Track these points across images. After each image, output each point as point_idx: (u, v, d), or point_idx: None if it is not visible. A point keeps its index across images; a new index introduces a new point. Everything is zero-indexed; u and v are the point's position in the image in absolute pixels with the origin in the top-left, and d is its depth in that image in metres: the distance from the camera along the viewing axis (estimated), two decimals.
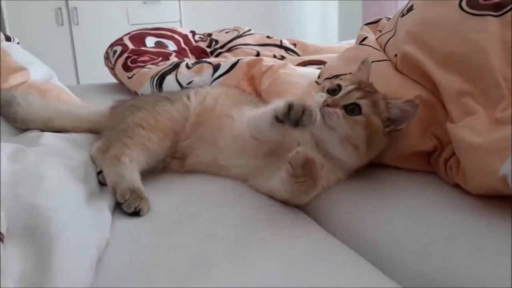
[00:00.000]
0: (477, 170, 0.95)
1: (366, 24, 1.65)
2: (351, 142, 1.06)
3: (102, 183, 1.11)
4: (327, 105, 1.04)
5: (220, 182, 1.15)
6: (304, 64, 2.22)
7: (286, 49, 2.52)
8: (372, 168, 1.19)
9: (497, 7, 1.11)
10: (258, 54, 2.41)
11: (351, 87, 1.07)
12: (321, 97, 1.06)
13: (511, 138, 0.89)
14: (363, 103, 1.05)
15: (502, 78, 1.03)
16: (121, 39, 2.35)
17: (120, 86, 2.31)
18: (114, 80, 2.47)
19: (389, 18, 1.61)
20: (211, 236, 0.90)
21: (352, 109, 1.05)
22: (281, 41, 2.56)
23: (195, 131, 1.22)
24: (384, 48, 1.40)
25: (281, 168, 1.02)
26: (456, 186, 1.06)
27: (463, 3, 1.16)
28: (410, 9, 1.36)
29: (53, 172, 0.99)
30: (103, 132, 1.29)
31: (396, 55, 1.29)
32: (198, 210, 0.99)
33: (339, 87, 1.09)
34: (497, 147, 0.91)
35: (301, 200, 1.02)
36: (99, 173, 1.12)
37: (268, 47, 2.51)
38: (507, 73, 1.04)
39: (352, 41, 2.79)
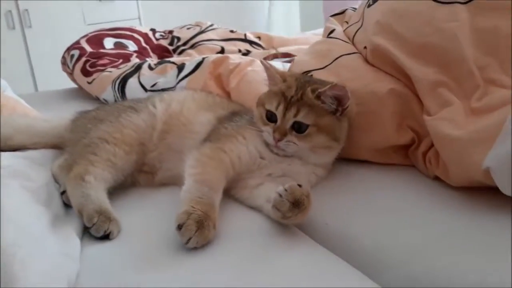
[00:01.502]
0: (458, 163, 0.93)
1: (332, 15, 1.61)
2: (320, 148, 1.05)
3: (67, 204, 1.03)
4: (278, 140, 1.02)
5: None
6: (272, 58, 2.18)
7: (251, 42, 2.46)
8: (351, 164, 1.17)
9: None
10: (222, 50, 2.34)
11: (281, 109, 1.03)
12: (268, 133, 1.04)
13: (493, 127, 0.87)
14: (301, 117, 1.01)
15: (475, 67, 1.01)
16: (77, 42, 2.23)
17: (81, 91, 2.20)
18: (74, 85, 2.35)
19: (355, 9, 1.58)
20: (190, 256, 0.84)
21: (298, 127, 1.02)
22: (245, 34, 2.49)
23: (162, 140, 1.16)
24: (353, 40, 1.37)
25: (264, 184, 1.02)
26: (436, 179, 1.05)
27: None
28: None
29: (13, 198, 0.90)
30: (64, 147, 1.21)
31: (365, 47, 1.26)
32: (173, 228, 0.93)
33: (270, 112, 1.05)
34: (478, 139, 0.89)
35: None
36: (63, 193, 1.05)
37: (232, 42, 2.44)
38: (480, 61, 1.02)
39: (316, 31, 2.78)
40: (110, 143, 1.08)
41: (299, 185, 0.89)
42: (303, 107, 1.01)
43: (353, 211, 0.98)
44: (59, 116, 1.30)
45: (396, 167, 1.14)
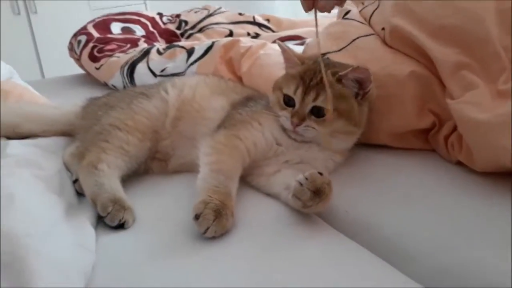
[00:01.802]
0: (484, 147, 0.90)
1: None
2: (339, 134, 1.02)
3: (79, 193, 1.01)
4: (297, 125, 0.98)
5: None
6: (281, 40, 2.12)
7: (260, 25, 2.41)
8: (369, 149, 1.13)
9: None
10: (231, 33, 2.30)
11: (299, 92, 0.99)
12: (286, 118, 1.00)
13: None
14: (320, 101, 0.98)
15: (501, 47, 0.97)
16: (84, 27, 2.19)
17: (88, 77, 2.17)
18: (82, 71, 2.32)
19: None
20: (208, 246, 0.82)
21: (317, 112, 0.99)
22: (253, 17, 2.44)
23: (175, 127, 1.13)
24: (369, 21, 1.32)
25: (281, 171, 0.99)
26: (458, 164, 1.01)
27: None
28: None
29: (25, 187, 0.88)
30: (75, 134, 1.18)
31: (383, 28, 1.21)
32: (189, 216, 0.91)
33: (288, 96, 1.02)
34: (505, 122, 0.85)
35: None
36: (75, 181, 1.02)
37: (241, 25, 2.40)
38: (506, 41, 0.98)
39: (324, 13, 2.72)
40: (123, 130, 1.05)
41: (320, 173, 0.86)
42: (322, 90, 0.97)
43: (374, 198, 0.95)
44: (69, 103, 1.27)
45: (416, 151, 1.10)
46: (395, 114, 1.09)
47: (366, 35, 1.24)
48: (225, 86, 1.24)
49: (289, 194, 0.88)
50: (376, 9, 1.32)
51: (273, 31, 2.37)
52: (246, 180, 1.02)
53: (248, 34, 2.27)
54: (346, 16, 1.39)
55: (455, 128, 1.02)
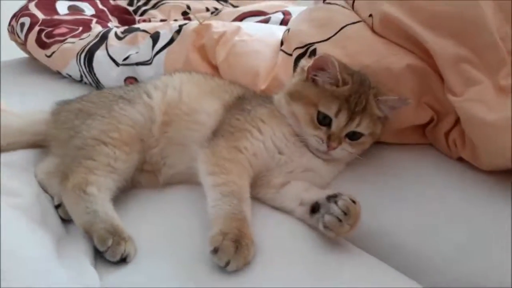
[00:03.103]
0: (493, 148, 0.89)
1: None
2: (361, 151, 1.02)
3: (63, 218, 0.91)
4: (334, 148, 0.95)
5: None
6: (244, 16, 2.03)
7: None
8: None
9: None
10: (188, 8, 2.16)
11: (343, 117, 0.94)
12: (320, 139, 0.95)
13: None
14: (362, 128, 0.96)
15: (499, 37, 0.95)
16: (26, 7, 1.96)
17: (36, 62, 1.95)
18: (25, 55, 2.10)
19: None
20: (227, 276, 0.75)
21: (353, 135, 0.97)
22: None
23: (163, 134, 1.03)
24: (353, 6, 1.26)
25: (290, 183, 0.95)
26: (459, 159, 1.00)
27: None
28: None
29: (4, 225, 0.77)
30: (47, 146, 1.05)
31: (371, 15, 1.15)
32: (192, 235, 0.84)
33: (326, 116, 0.95)
34: None
35: None
36: (58, 206, 0.92)
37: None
38: (504, 29, 0.95)
39: None
40: (108, 144, 0.94)
41: (353, 201, 0.81)
42: (365, 117, 0.95)
43: (382, 203, 0.92)
44: (34, 109, 1.12)
45: (414, 147, 1.08)
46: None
47: (354, 23, 1.18)
48: (213, 83, 1.15)
49: (319, 223, 0.83)
50: None
51: (233, 6, 2.25)
52: (251, 192, 0.96)
53: (207, 9, 2.15)
54: (328, 0, 1.31)
55: (455, 124, 1.01)
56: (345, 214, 0.80)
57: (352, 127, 0.95)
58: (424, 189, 0.93)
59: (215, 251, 0.75)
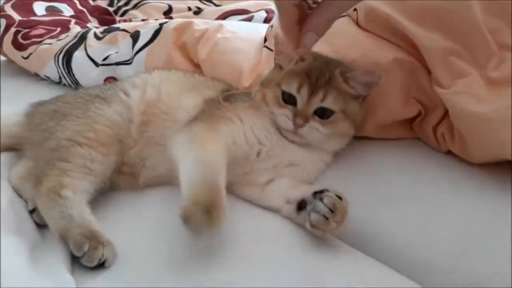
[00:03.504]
0: (484, 140, 0.86)
1: None
2: (340, 136, 0.97)
3: (38, 223, 0.86)
4: (300, 126, 0.90)
5: None
6: (227, 15, 2.00)
7: None
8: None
9: None
10: (170, 8, 2.12)
11: (305, 91, 0.91)
12: (286, 117, 0.92)
13: None
14: (328, 102, 0.92)
15: (488, 30, 0.93)
16: (1, 9, 1.90)
17: (12, 65, 1.90)
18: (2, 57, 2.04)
19: None
20: (211, 272, 0.72)
21: (322, 113, 0.92)
22: None
23: (142, 133, 0.99)
24: None
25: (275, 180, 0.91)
26: (448, 153, 0.98)
27: None
28: None
29: None
30: (20, 149, 1.00)
31: (355, 9, 1.13)
32: (172, 239, 0.80)
33: (289, 94, 0.93)
34: (506, 116, 0.82)
35: None
36: (33, 211, 0.87)
37: None
38: (491, 24, 0.94)
39: None
40: (83, 145, 0.90)
41: (339, 197, 0.79)
42: (330, 91, 0.90)
43: (374, 201, 0.89)
44: (7, 111, 1.07)
45: (400, 141, 1.05)
46: (380, 105, 1.02)
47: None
48: (194, 81, 1.11)
49: (306, 222, 0.80)
50: None
51: (215, 4, 2.22)
52: (235, 192, 0.92)
53: (189, 9, 2.10)
54: None
55: (443, 117, 0.99)
56: (332, 211, 0.77)
57: (316, 102, 0.91)
58: (415, 186, 0.90)
59: (187, 220, 0.70)
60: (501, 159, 0.86)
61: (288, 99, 0.93)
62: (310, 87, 0.91)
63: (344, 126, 0.94)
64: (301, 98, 0.92)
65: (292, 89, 0.92)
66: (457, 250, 0.76)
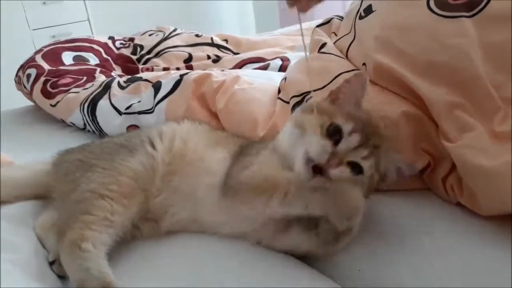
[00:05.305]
0: (492, 194, 0.88)
1: (318, 26, 1.52)
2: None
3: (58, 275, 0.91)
4: (334, 166, 0.86)
5: (210, 241, 0.96)
6: (244, 63, 2.08)
7: (219, 46, 2.34)
8: None
9: (468, 7, 1.03)
10: (190, 56, 2.21)
11: (355, 138, 0.88)
12: (321, 147, 0.87)
13: None
14: (366, 165, 0.88)
15: (491, 85, 0.96)
16: (33, 59, 2.03)
17: (41, 111, 1.99)
18: (30, 103, 2.15)
19: (340, 17, 1.50)
20: None
21: (352, 168, 0.88)
22: (211, 38, 2.37)
23: (167, 183, 1.03)
24: (347, 55, 1.29)
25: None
26: (458, 204, 1.00)
27: (431, 4, 1.07)
28: (369, 10, 1.25)
29: (3, 282, 0.77)
30: (48, 197, 1.06)
31: (364, 64, 1.18)
32: None
33: (339, 130, 0.89)
34: None
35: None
36: (53, 263, 0.91)
37: (200, 47, 2.32)
38: (495, 78, 0.97)
39: (275, 32, 2.65)
40: (106, 197, 0.94)
41: None
42: (373, 156, 0.89)
43: (387, 253, 0.90)
44: (36, 161, 1.13)
45: (412, 192, 1.08)
46: None
47: (348, 71, 1.21)
48: (217, 136, 1.16)
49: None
50: (352, 41, 1.29)
51: (233, 52, 2.31)
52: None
53: (208, 57, 2.20)
54: (322, 50, 1.35)
55: (452, 169, 1.01)
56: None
57: (358, 155, 0.87)
58: (424, 239, 0.92)
59: None
60: (510, 212, 0.87)
61: (332, 133, 0.89)
62: (362, 139, 0.88)
63: (356, 192, 0.87)
64: (348, 142, 0.88)
65: (345, 128, 0.89)
66: None
